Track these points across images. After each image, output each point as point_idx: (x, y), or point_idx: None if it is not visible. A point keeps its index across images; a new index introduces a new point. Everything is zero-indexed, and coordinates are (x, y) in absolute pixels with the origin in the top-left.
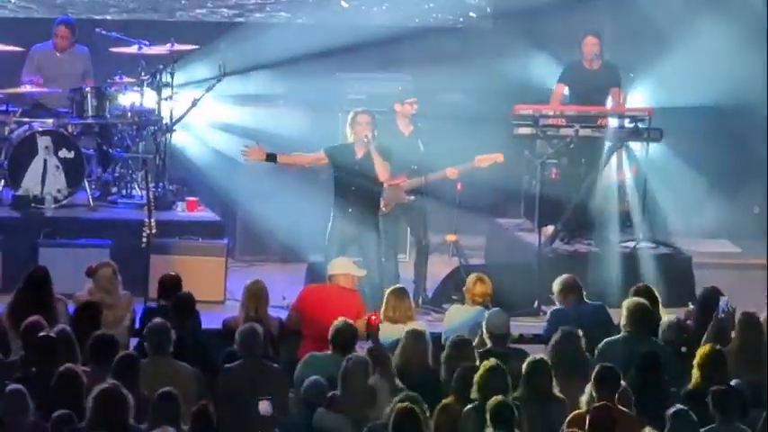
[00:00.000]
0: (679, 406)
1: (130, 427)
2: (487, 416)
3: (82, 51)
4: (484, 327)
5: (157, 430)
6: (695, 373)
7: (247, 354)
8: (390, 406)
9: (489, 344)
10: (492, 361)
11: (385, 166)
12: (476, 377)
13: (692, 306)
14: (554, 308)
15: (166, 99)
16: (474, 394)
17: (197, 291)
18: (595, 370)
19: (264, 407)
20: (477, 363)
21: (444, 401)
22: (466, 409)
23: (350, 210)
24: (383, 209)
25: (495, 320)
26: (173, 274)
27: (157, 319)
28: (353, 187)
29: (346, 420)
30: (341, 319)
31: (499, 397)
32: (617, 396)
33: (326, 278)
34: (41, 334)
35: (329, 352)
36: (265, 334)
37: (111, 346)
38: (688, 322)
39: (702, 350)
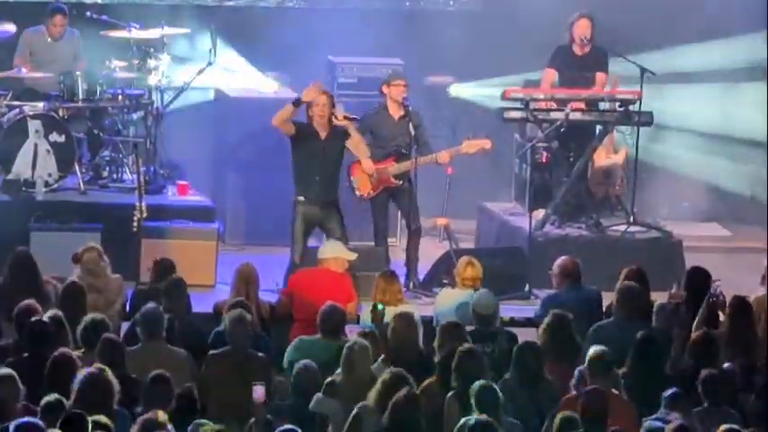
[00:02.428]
0: (675, 389)
1: (115, 411)
2: (472, 400)
3: (73, 35)
4: (471, 308)
5: (148, 414)
6: (686, 358)
7: (234, 340)
8: (378, 386)
9: (476, 325)
10: (466, 345)
11: (363, 141)
12: (453, 362)
13: (675, 287)
14: (547, 292)
15: (157, 83)
16: (453, 380)
17: (188, 275)
18: (588, 353)
19: (259, 393)
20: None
21: (426, 382)
22: (448, 395)
23: (313, 193)
24: (371, 192)
25: (483, 301)
26: (166, 258)
27: (150, 304)
28: (317, 167)
29: (347, 406)
30: (329, 302)
31: (483, 381)
32: (608, 380)
33: (317, 262)
34: (34, 318)
35: (318, 336)
36: (256, 318)
37: (102, 330)
38: (678, 305)
39: (694, 335)
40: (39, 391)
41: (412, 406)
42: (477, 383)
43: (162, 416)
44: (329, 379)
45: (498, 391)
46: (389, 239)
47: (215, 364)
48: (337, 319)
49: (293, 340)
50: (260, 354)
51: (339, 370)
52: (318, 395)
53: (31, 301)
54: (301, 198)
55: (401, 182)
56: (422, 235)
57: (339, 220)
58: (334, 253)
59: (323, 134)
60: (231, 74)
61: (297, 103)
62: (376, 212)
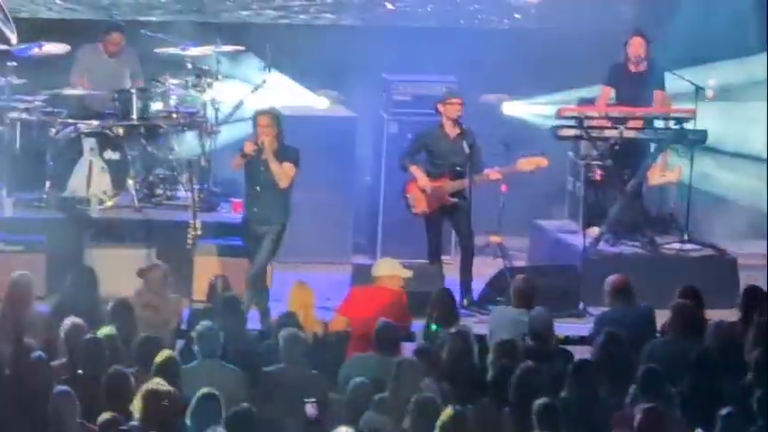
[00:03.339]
0: (730, 408)
1: (180, 426)
2: (533, 418)
3: (129, 53)
4: (527, 327)
5: (208, 430)
6: (747, 375)
7: (288, 357)
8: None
9: (532, 344)
10: (528, 363)
11: (284, 173)
12: (513, 378)
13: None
14: (601, 310)
15: (211, 100)
16: (511, 396)
17: (242, 292)
18: (641, 372)
19: (310, 410)
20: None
21: (481, 401)
22: (503, 412)
23: (255, 209)
24: (426, 210)
25: (538, 320)
26: (222, 275)
27: (206, 322)
28: (258, 187)
29: (396, 423)
30: (383, 320)
31: (545, 399)
32: (662, 398)
33: (372, 280)
34: (88, 336)
35: (372, 353)
36: (310, 335)
37: (156, 348)
38: (734, 324)
39: (754, 354)
40: (92, 409)
41: (460, 425)
42: (539, 401)
43: None
44: (378, 395)
45: (560, 409)
46: (443, 257)
47: (269, 382)
48: (392, 336)
49: (348, 357)
50: (314, 371)
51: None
52: (368, 412)
53: (80, 320)
54: (246, 213)
55: (456, 199)
56: (476, 253)
57: (271, 242)
58: (389, 270)
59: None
60: (284, 91)
61: (243, 155)
62: (430, 230)
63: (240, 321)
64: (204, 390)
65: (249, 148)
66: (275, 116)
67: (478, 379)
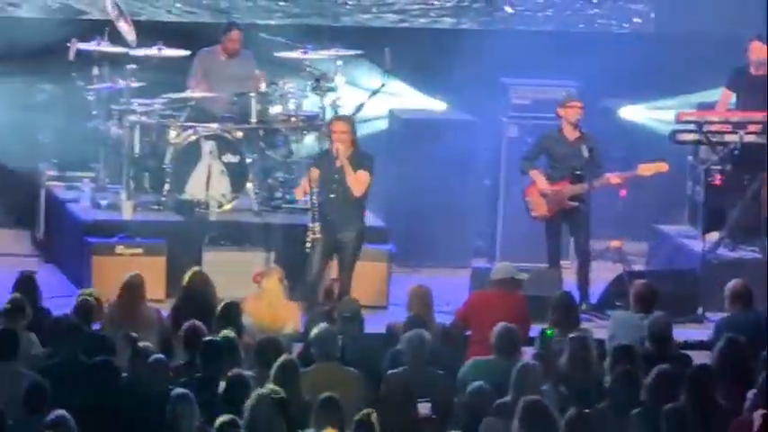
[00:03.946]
0: None
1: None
2: (663, 423)
3: (247, 56)
4: (647, 331)
5: None
6: None
7: (413, 360)
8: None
9: (651, 348)
10: (664, 367)
11: (359, 180)
12: (646, 381)
13: None
14: (720, 315)
15: (330, 104)
16: (644, 397)
17: (360, 296)
18: (761, 377)
19: (424, 409)
20: (642, 369)
21: (599, 406)
22: (633, 412)
23: (328, 217)
24: (546, 214)
25: (658, 325)
26: (338, 279)
27: (324, 325)
28: (332, 195)
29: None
30: (503, 324)
31: (675, 403)
32: None
33: (489, 283)
34: (207, 338)
35: (492, 357)
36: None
37: (276, 352)
38: None
39: None
40: (211, 412)
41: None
42: (668, 406)
43: None
44: (499, 400)
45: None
46: (562, 261)
47: (394, 384)
48: (513, 340)
49: (468, 361)
50: (439, 372)
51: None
52: (489, 417)
53: (197, 322)
54: (319, 221)
55: (576, 204)
56: (595, 257)
57: (351, 249)
58: (506, 274)
59: (339, 161)
60: (402, 95)
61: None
62: (550, 234)
63: (358, 324)
64: (325, 394)
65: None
66: (351, 122)
67: (597, 384)
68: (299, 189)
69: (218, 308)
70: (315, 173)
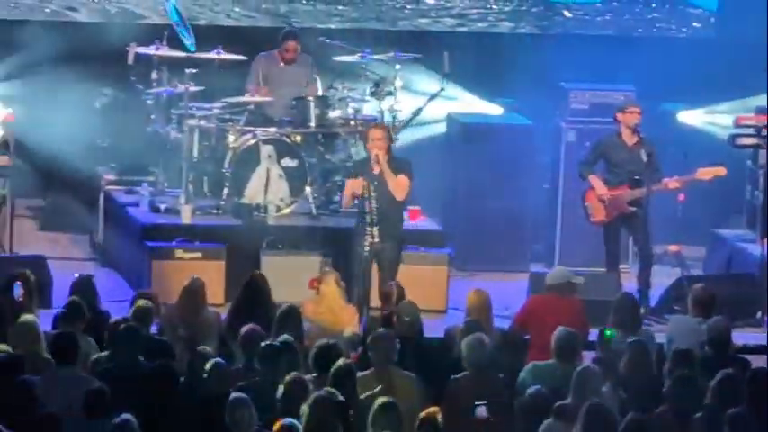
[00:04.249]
0: None
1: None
2: (726, 427)
3: (306, 60)
4: (705, 336)
5: None
6: None
7: (472, 364)
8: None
9: (710, 352)
10: (730, 370)
11: (400, 185)
12: (711, 384)
13: None
14: None
15: (389, 108)
16: (708, 401)
17: (419, 300)
18: None
19: (481, 411)
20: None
21: (658, 410)
22: (696, 417)
23: (370, 225)
24: (605, 219)
25: (716, 329)
26: (398, 283)
27: (382, 329)
28: (374, 202)
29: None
30: (563, 328)
31: (738, 408)
32: None
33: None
34: (266, 342)
35: (552, 361)
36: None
37: (334, 356)
38: None
39: None
40: (268, 415)
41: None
42: (732, 410)
43: None
44: (559, 403)
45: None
46: (621, 266)
47: (456, 389)
48: (572, 344)
49: (527, 365)
50: (499, 375)
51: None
52: (549, 420)
53: (254, 325)
54: (359, 231)
55: (634, 208)
56: (653, 261)
57: (394, 257)
58: (561, 278)
59: (376, 168)
60: (460, 99)
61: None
62: (609, 239)
63: (416, 329)
64: (383, 398)
65: (358, 186)
66: (387, 129)
67: (656, 387)
68: (345, 199)
69: (277, 312)
70: (356, 183)
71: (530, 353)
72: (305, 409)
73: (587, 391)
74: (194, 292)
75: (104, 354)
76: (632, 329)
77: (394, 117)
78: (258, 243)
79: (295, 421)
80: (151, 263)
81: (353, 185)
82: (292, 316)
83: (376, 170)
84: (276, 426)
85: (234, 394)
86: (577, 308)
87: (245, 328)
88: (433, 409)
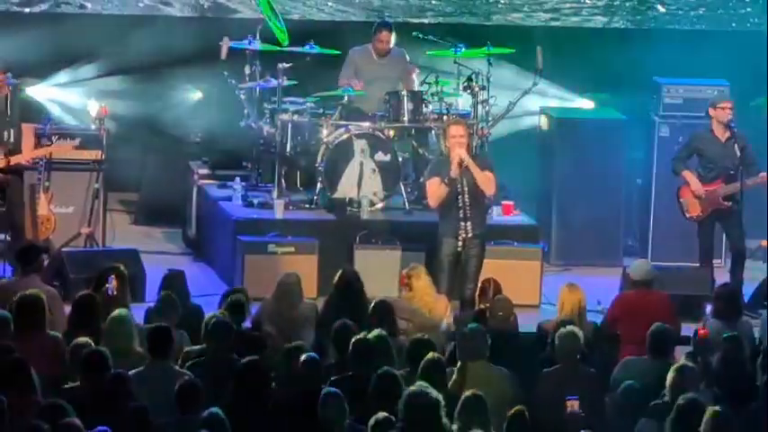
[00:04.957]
0: None
1: (442, 427)
2: None
3: (400, 54)
4: None
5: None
6: None
7: (565, 358)
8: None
9: None
10: None
11: (489, 180)
12: None
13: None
14: None
15: (482, 102)
16: None
17: (512, 294)
18: None
19: (572, 406)
20: None
21: (752, 405)
22: None
23: (460, 223)
24: (700, 214)
25: None
26: (493, 278)
27: (473, 324)
28: (465, 199)
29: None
30: (658, 323)
31: None
32: None
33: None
34: (359, 337)
35: (645, 357)
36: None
37: (426, 350)
38: None
39: None
40: (360, 410)
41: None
42: None
43: None
44: (655, 402)
45: None
46: (714, 261)
47: (548, 382)
48: (666, 340)
49: (621, 361)
50: (591, 369)
51: (665, 392)
52: (644, 419)
53: (348, 321)
54: (446, 232)
55: (730, 203)
56: (747, 257)
57: (478, 255)
58: (648, 274)
59: (457, 168)
60: (553, 94)
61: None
62: (702, 234)
63: (509, 323)
64: (470, 392)
65: (455, 171)
66: (467, 126)
67: (750, 383)
68: (433, 200)
69: (371, 307)
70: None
71: (622, 349)
72: (401, 404)
73: (684, 389)
74: (290, 287)
75: (197, 348)
76: (732, 318)
77: (487, 112)
78: (351, 238)
79: (391, 416)
80: (244, 257)
81: (439, 185)
82: (386, 310)
83: (455, 173)
84: (373, 420)
85: (326, 389)
86: (666, 303)
87: (336, 324)
88: (519, 407)
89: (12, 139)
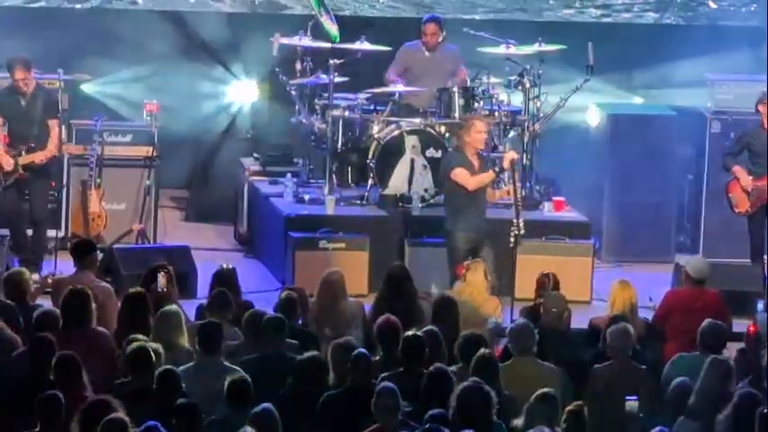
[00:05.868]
0: None
1: (494, 424)
2: None
3: (451, 50)
4: None
5: (534, 429)
6: None
7: (617, 354)
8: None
9: None
10: None
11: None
12: None
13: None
14: None
15: (533, 99)
16: None
17: (563, 290)
18: None
19: (631, 405)
20: None
21: None
22: None
23: (478, 219)
24: (749, 209)
25: None
26: (548, 273)
27: (521, 320)
28: (477, 199)
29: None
30: (710, 320)
31: None
32: None
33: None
34: (409, 333)
35: (697, 353)
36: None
37: (479, 346)
38: None
39: None
40: (412, 406)
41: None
42: None
43: None
44: (691, 402)
45: None
46: (766, 257)
47: (600, 379)
48: (718, 336)
49: (674, 357)
50: (642, 366)
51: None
52: (681, 419)
53: (393, 318)
54: (461, 227)
55: None
56: None
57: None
58: (706, 272)
59: (477, 164)
60: (604, 90)
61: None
62: (753, 230)
63: (561, 320)
64: (542, 390)
65: (508, 163)
66: (487, 122)
67: None
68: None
69: (432, 302)
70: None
71: (674, 345)
72: (453, 398)
73: (709, 387)
74: (332, 284)
75: (249, 344)
76: None
77: (538, 108)
78: (402, 234)
79: (445, 412)
80: (295, 253)
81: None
82: (448, 306)
83: (477, 165)
84: (428, 415)
85: (382, 384)
86: (718, 299)
87: (379, 320)
88: (579, 403)
89: (36, 134)
